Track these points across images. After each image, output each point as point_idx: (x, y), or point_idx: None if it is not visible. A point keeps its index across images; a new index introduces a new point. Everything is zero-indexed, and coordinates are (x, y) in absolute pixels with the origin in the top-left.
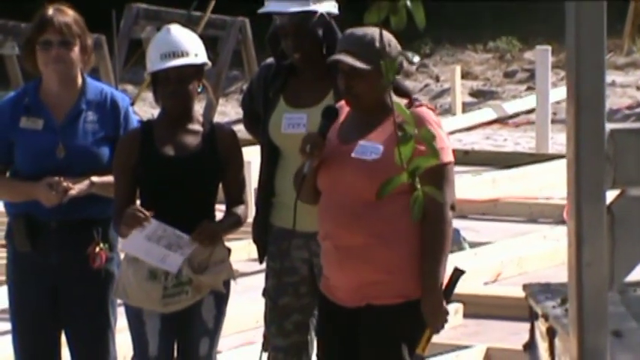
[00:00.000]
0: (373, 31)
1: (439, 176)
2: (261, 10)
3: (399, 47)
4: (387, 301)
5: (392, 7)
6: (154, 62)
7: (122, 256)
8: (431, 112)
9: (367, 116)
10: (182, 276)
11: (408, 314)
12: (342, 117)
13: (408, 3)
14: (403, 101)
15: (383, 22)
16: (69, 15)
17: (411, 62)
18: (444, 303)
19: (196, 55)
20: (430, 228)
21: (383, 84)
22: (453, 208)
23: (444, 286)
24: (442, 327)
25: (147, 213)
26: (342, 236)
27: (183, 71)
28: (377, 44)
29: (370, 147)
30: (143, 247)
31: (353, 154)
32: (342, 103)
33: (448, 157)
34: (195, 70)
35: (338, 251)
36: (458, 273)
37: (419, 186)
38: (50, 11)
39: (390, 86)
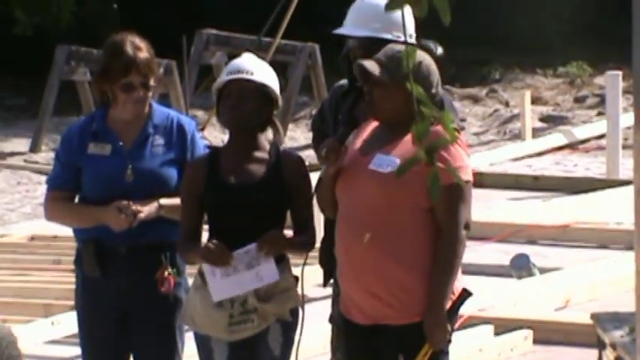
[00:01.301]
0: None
1: (456, 194)
2: (335, 31)
3: (435, 73)
4: (405, 321)
5: None
6: (220, 80)
7: (190, 281)
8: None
9: (389, 130)
10: (248, 304)
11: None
12: (367, 130)
13: None
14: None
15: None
16: (146, 51)
17: (433, 53)
18: (447, 321)
19: (262, 75)
20: (442, 245)
21: (400, 78)
22: (467, 227)
23: (449, 305)
24: (442, 344)
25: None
26: (356, 250)
27: (243, 86)
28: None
29: (387, 159)
30: (231, 285)
31: (370, 166)
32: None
33: (467, 175)
34: (262, 94)
35: (353, 266)
36: (465, 294)
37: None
38: (129, 48)
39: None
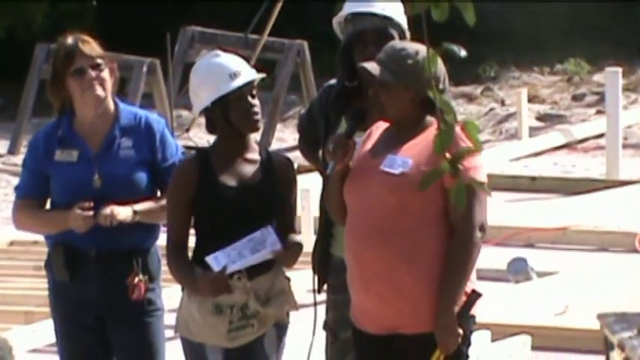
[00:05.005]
0: (414, 48)
1: (471, 194)
2: (343, 13)
3: (442, 68)
4: (419, 330)
5: None
6: (221, 85)
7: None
8: None
9: (400, 131)
10: (249, 309)
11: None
12: (378, 133)
13: None
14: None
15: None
16: (90, 40)
17: (457, 56)
18: (457, 325)
19: (254, 73)
20: (456, 247)
21: (404, 77)
22: (482, 229)
23: (459, 307)
24: (454, 348)
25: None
26: (367, 257)
27: (252, 87)
28: (409, 61)
29: (399, 160)
30: (239, 265)
31: (381, 167)
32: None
33: (482, 177)
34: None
35: (363, 274)
36: (475, 296)
37: (461, 176)
38: (70, 40)
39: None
